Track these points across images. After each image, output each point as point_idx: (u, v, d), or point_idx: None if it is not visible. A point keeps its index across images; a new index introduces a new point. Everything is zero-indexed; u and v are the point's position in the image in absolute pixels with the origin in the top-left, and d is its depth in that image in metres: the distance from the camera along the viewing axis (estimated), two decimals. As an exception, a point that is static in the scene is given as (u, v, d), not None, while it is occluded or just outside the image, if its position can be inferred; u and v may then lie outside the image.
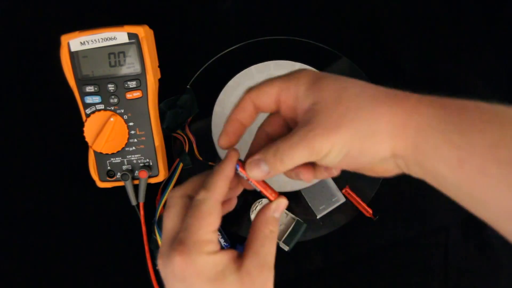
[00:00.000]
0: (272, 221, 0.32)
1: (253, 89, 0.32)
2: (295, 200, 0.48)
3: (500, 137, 0.25)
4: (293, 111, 0.31)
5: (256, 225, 0.31)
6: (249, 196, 0.49)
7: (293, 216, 0.47)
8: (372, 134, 0.28)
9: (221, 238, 0.48)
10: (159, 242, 0.46)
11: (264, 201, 0.47)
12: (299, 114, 0.30)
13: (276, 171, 0.31)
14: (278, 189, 0.46)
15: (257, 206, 0.46)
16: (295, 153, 0.29)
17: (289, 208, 0.46)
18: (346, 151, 0.28)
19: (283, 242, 0.46)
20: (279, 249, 0.44)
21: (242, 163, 0.32)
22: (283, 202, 0.32)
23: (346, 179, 0.48)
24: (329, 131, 0.28)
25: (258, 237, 0.31)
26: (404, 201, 0.49)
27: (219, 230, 0.48)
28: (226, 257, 0.30)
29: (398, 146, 0.28)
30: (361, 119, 0.28)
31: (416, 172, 0.29)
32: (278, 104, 0.32)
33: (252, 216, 0.46)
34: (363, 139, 0.28)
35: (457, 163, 0.26)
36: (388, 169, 0.31)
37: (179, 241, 0.29)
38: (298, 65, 0.50)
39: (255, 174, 0.31)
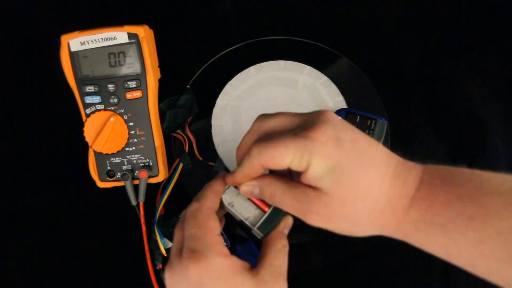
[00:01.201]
0: (283, 236, 0.34)
1: (263, 155, 0.30)
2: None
3: (483, 235, 0.27)
4: (298, 172, 0.32)
5: (270, 240, 0.34)
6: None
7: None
8: (363, 232, 0.31)
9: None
10: (159, 242, 0.46)
11: None
12: (304, 178, 0.31)
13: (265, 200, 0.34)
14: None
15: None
16: (287, 208, 0.32)
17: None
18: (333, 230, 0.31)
19: (258, 229, 0.38)
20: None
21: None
22: (290, 219, 0.36)
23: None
24: (325, 222, 0.30)
25: (272, 251, 0.33)
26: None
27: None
28: (239, 261, 0.32)
29: (386, 233, 0.32)
30: (357, 224, 0.31)
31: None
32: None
33: (223, 195, 0.42)
34: (355, 233, 0.31)
35: (447, 257, 0.30)
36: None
37: (189, 250, 0.30)
38: (298, 65, 0.50)
39: (246, 193, 0.35)
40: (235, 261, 0.31)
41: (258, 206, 0.38)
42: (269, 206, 0.37)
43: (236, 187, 0.39)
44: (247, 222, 0.38)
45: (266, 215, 0.38)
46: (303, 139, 0.29)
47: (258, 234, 0.38)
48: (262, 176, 0.33)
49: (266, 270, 0.31)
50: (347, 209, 0.29)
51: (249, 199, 0.38)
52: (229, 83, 0.50)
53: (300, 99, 0.49)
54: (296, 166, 0.30)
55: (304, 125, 0.30)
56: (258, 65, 0.51)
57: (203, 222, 0.32)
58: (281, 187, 0.32)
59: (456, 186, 0.29)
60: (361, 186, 0.29)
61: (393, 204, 0.30)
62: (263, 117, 0.33)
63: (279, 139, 0.30)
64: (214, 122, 0.49)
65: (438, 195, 0.29)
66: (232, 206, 0.38)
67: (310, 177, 0.30)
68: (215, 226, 0.32)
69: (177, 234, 0.33)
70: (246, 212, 0.38)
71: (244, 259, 0.33)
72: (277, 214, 0.38)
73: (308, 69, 0.50)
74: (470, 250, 0.28)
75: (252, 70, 0.51)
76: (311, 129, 0.29)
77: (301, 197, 0.31)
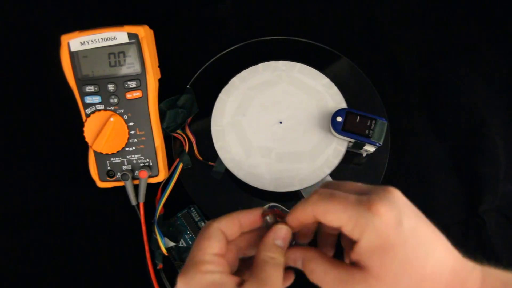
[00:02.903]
0: (271, 248, 0.31)
1: (319, 209, 0.30)
2: (295, 200, 0.48)
3: None
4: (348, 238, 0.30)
5: (258, 250, 0.31)
6: (254, 199, 0.49)
7: None
8: None
9: None
10: (160, 242, 0.46)
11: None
12: (353, 252, 0.29)
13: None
14: (276, 189, 0.47)
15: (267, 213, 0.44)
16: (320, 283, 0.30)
17: (289, 209, 0.46)
18: None
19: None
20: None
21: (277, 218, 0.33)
22: (283, 229, 0.32)
23: (346, 179, 0.48)
24: None
25: (258, 263, 0.31)
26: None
27: None
28: (228, 279, 0.30)
29: None
30: None
31: None
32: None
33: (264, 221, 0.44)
34: None
35: None
36: None
37: (184, 265, 0.31)
38: (297, 65, 0.50)
39: (289, 262, 0.32)
40: (219, 278, 0.30)
41: None
42: None
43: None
44: None
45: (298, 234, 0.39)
46: (365, 208, 0.28)
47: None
48: (307, 248, 0.32)
49: (250, 283, 0.29)
50: None
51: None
52: (229, 83, 0.50)
53: (300, 99, 0.49)
54: (348, 230, 0.28)
55: (370, 195, 0.29)
56: (258, 65, 0.50)
57: (203, 239, 0.32)
58: (323, 264, 0.30)
59: None
60: (413, 277, 0.27)
61: None
62: (330, 183, 0.33)
63: (342, 196, 0.29)
64: (214, 127, 0.49)
65: None
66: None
67: (360, 249, 0.28)
68: (212, 245, 0.31)
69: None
70: None
71: None
72: None
73: (304, 68, 0.50)
74: None
75: (252, 70, 0.50)
76: (376, 202, 0.28)
77: (345, 278, 0.28)
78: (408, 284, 0.27)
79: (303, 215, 0.31)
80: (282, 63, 0.50)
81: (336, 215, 0.29)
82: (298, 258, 0.32)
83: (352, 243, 0.29)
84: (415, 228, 0.28)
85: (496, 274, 0.29)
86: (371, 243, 0.27)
